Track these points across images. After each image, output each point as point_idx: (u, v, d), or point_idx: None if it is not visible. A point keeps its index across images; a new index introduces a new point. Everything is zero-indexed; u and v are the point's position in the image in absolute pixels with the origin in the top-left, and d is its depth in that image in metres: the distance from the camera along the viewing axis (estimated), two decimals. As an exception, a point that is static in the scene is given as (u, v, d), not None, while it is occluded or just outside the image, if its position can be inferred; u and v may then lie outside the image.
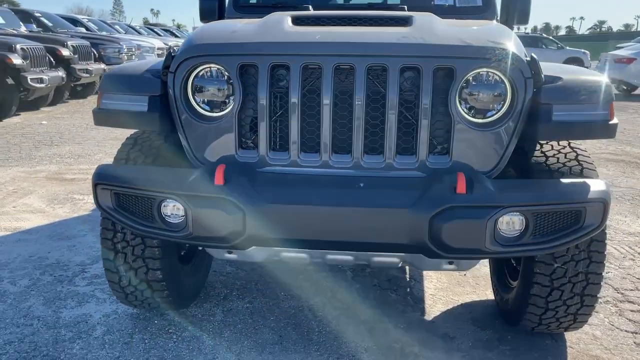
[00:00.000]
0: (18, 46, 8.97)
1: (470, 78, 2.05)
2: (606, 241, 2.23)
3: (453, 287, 3.10)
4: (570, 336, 2.58)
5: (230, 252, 2.20)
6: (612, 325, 2.69)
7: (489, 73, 2.05)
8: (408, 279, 3.20)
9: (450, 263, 2.12)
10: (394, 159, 2.07)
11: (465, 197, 1.88)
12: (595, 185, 1.95)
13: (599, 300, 2.90)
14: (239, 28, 2.29)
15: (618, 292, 3.05)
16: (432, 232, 1.87)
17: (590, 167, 2.28)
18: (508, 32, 2.27)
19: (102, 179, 2.07)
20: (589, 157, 2.36)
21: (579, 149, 2.40)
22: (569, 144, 2.43)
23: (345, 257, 2.13)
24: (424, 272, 3.28)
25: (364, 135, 2.07)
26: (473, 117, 2.07)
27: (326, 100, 2.03)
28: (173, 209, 2.02)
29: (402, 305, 2.88)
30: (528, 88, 2.03)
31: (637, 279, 3.23)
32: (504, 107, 2.06)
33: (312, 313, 2.79)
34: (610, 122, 2.08)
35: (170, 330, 2.62)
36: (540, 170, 2.30)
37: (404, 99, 2.05)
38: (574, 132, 2.09)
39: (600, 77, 2.18)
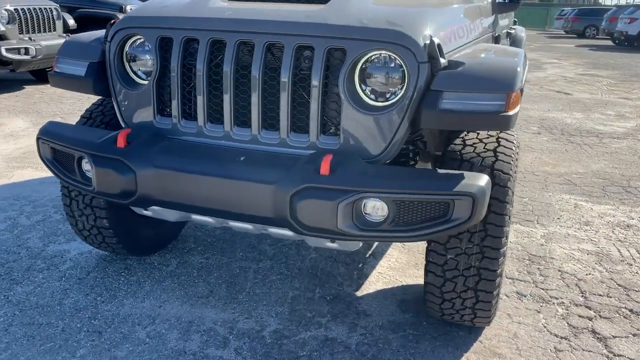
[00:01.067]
0: None
1: (368, 60, 2.04)
2: (504, 239, 2.13)
3: (406, 269, 3.10)
4: (488, 331, 2.51)
5: (146, 210, 2.43)
6: (545, 327, 2.56)
7: (383, 56, 2.03)
8: (367, 255, 3.24)
9: (332, 241, 2.16)
10: (287, 136, 2.14)
11: (325, 178, 1.91)
12: (470, 179, 1.89)
13: (554, 300, 2.76)
14: (170, 3, 2.44)
15: (582, 296, 2.86)
16: (292, 209, 1.94)
17: (505, 160, 2.18)
18: (425, 12, 2.19)
19: (43, 134, 2.39)
20: (512, 148, 2.25)
21: (505, 139, 2.29)
22: (498, 133, 2.33)
23: (245, 225, 2.25)
24: (389, 251, 3.29)
25: (262, 110, 2.15)
26: (368, 99, 2.07)
27: (227, 74, 2.14)
28: (86, 165, 2.28)
29: (344, 279, 2.95)
30: (421, 73, 1.98)
31: (617, 286, 2.98)
32: (402, 91, 2.03)
33: (254, 275, 2.96)
34: (506, 114, 1.96)
35: (122, 273, 2.94)
36: (452, 159, 2.24)
37: (300, 77, 2.10)
38: (463, 121, 2.01)
39: (510, 64, 2.05)
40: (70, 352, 2.30)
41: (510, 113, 1.97)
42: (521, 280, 2.99)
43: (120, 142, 2.18)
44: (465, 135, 2.36)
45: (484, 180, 1.91)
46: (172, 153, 2.15)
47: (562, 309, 2.72)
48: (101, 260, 3.07)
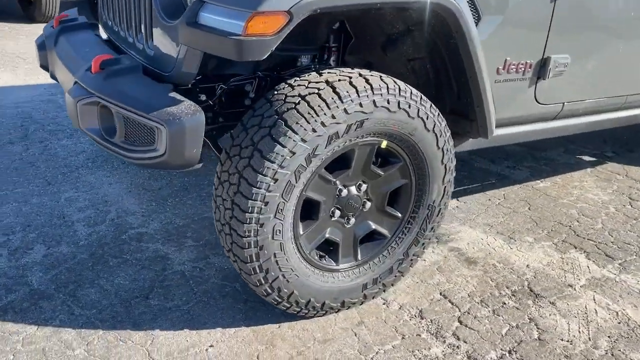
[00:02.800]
0: None
1: None
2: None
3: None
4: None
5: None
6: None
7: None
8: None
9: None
10: (135, 39, 2.21)
11: (87, 76, 1.94)
12: (178, 108, 1.66)
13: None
14: None
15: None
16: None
17: (316, 105, 1.81)
18: None
19: None
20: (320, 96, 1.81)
21: (345, 77, 1.98)
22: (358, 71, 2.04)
23: None
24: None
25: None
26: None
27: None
28: None
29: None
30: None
31: None
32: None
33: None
34: (240, 38, 1.58)
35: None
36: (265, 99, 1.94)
37: None
38: (208, 42, 1.70)
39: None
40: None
41: (246, 39, 1.58)
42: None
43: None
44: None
45: (193, 113, 1.62)
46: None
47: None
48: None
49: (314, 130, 1.86)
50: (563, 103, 2.89)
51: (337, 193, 2.13)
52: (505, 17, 2.43)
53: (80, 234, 2.82)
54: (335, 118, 1.89)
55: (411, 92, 2.08)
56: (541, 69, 2.67)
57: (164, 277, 2.53)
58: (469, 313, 2.43)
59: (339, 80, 1.96)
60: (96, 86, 1.87)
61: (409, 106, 2.06)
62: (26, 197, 3.17)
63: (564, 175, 4.02)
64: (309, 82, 1.96)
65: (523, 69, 2.61)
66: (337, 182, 2.10)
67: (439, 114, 2.21)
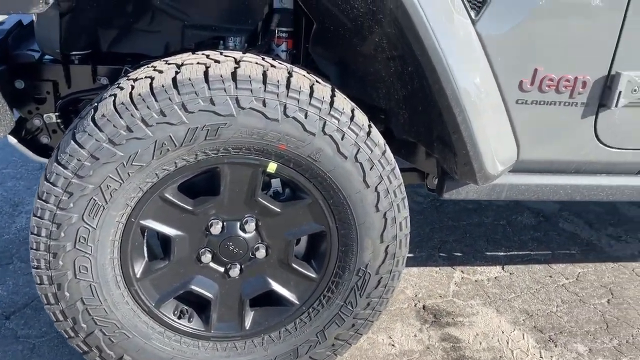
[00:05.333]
0: None
1: None
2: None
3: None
4: None
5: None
6: None
7: None
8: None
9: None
10: None
11: None
12: None
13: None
14: None
15: None
16: None
17: None
18: None
19: None
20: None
21: None
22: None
23: None
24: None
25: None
26: None
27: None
28: None
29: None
30: None
31: None
32: None
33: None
34: None
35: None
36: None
37: None
38: None
39: None
40: None
41: None
42: None
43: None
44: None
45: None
46: None
47: None
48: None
49: (128, 130, 1.27)
50: (654, 150, 1.84)
51: (206, 229, 1.50)
52: (534, 2, 1.56)
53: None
54: (165, 116, 1.28)
55: (312, 93, 1.36)
56: (605, 91, 1.70)
57: None
58: None
59: (198, 64, 1.34)
60: None
61: (306, 115, 1.35)
62: None
63: (697, 263, 2.74)
64: (155, 67, 1.37)
65: (571, 87, 1.67)
66: (200, 212, 1.47)
67: (369, 134, 1.44)
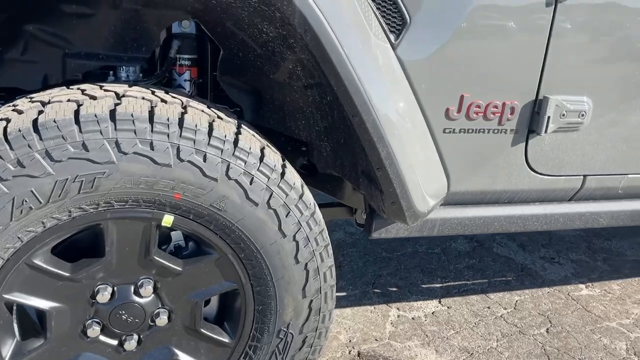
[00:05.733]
0: None
1: None
2: None
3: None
4: None
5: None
6: None
7: None
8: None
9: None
10: None
11: None
12: None
13: None
14: None
15: None
16: None
17: None
18: None
19: None
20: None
21: None
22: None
23: None
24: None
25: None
26: None
27: None
28: None
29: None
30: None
31: None
32: None
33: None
34: None
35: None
36: None
37: None
38: None
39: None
40: None
41: None
42: None
43: None
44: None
45: None
46: None
47: None
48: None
49: (-29, 185, 1.02)
50: (584, 176, 1.76)
51: (91, 296, 1.25)
52: (457, 24, 1.44)
53: None
54: (24, 167, 1.03)
55: (211, 132, 1.16)
56: (533, 116, 1.60)
57: None
58: None
59: (69, 101, 1.11)
60: None
61: (204, 157, 1.14)
62: None
63: (628, 281, 2.72)
64: (15, 106, 1.13)
65: (499, 114, 1.57)
66: (83, 278, 1.22)
67: (283, 175, 1.26)
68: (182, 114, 1.15)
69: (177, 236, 1.30)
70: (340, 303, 2.30)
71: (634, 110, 1.73)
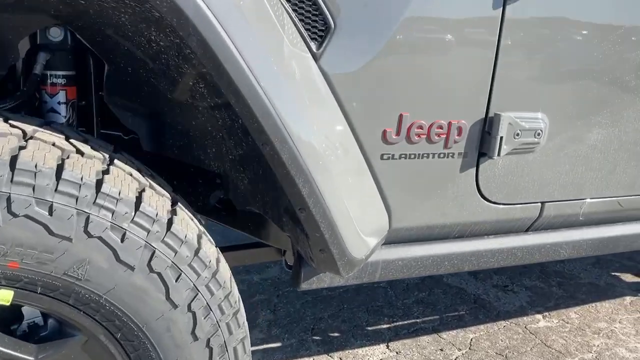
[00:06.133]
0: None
1: None
2: None
3: None
4: None
5: None
6: None
7: None
8: None
9: None
10: None
11: None
12: None
13: None
14: None
15: None
16: None
17: None
18: None
19: None
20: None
21: None
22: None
23: None
24: None
25: None
26: None
27: None
28: None
29: None
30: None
31: None
32: None
33: None
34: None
35: None
36: None
37: None
38: None
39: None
40: None
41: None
42: None
43: None
44: None
45: None
46: None
47: None
48: None
49: None
50: (542, 203, 1.54)
51: None
52: (392, 31, 1.19)
53: None
54: None
55: (59, 172, 0.85)
56: (484, 137, 1.37)
57: None
58: None
59: None
60: None
61: (50, 209, 0.83)
62: None
63: (586, 308, 2.55)
64: None
65: (445, 135, 1.33)
66: None
67: (169, 225, 0.95)
68: (19, 148, 0.83)
69: (30, 312, 0.97)
70: (274, 356, 1.99)
71: (591, 127, 1.54)
